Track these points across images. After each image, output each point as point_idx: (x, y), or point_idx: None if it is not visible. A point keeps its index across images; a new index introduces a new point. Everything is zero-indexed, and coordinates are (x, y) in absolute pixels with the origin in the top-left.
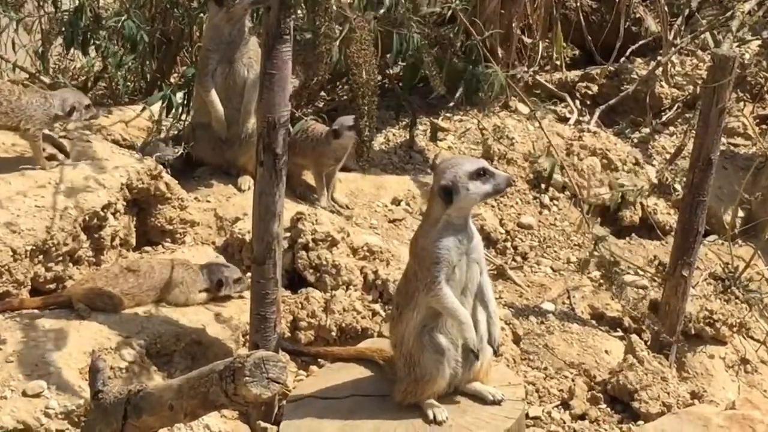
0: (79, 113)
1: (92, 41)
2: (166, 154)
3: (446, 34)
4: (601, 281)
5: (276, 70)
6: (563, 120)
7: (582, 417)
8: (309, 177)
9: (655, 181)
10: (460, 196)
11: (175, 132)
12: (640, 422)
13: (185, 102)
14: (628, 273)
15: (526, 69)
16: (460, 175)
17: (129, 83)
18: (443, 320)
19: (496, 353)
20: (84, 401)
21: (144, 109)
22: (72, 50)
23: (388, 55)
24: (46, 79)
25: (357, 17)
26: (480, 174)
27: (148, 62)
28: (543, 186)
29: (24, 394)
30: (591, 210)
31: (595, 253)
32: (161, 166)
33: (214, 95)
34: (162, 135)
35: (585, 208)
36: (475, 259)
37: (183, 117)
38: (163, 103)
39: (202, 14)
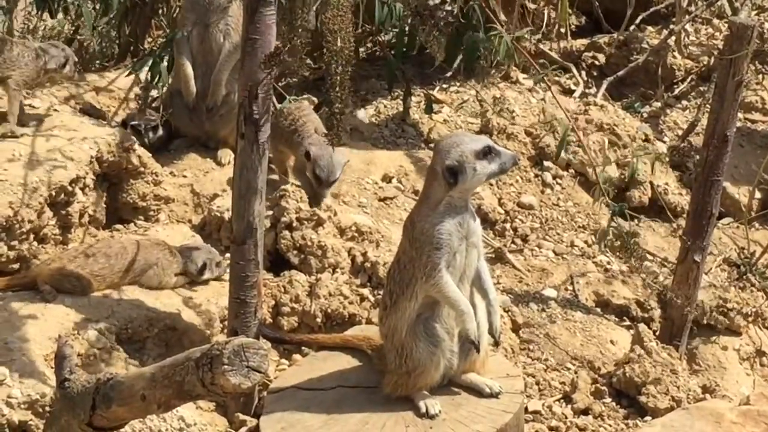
0: (71, 67)
1: (63, 1)
2: (146, 123)
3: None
4: (607, 266)
5: (259, 35)
6: (568, 92)
7: (585, 412)
8: None
9: (666, 159)
10: (467, 177)
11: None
12: (648, 418)
13: (169, 68)
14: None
15: (532, 33)
16: (466, 155)
17: (101, 48)
18: (440, 309)
19: (497, 344)
20: (49, 390)
21: (131, 73)
22: (42, 12)
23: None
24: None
25: None
26: (486, 153)
27: (121, 26)
28: (551, 159)
29: None
30: (607, 182)
31: (612, 224)
32: (134, 138)
33: (184, 59)
34: (141, 104)
35: (600, 179)
36: (473, 243)
37: (162, 84)
38: (149, 68)
39: None
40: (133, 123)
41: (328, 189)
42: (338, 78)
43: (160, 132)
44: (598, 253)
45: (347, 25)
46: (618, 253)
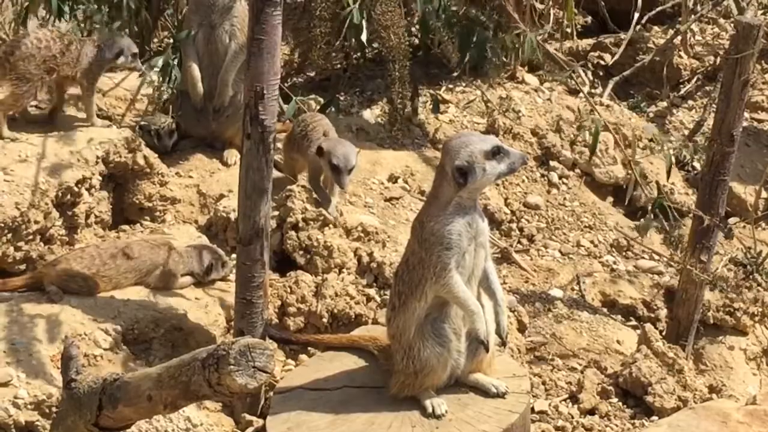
0: (125, 58)
1: (75, 6)
2: (161, 126)
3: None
4: (613, 266)
5: (264, 36)
6: (574, 92)
7: (591, 412)
8: None
9: (673, 159)
10: (476, 177)
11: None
12: (654, 418)
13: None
14: (643, 257)
15: (549, 32)
16: (476, 155)
17: None
18: (448, 309)
19: (504, 344)
20: (56, 390)
21: (143, 74)
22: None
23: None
24: None
25: None
26: (495, 153)
27: (127, 28)
28: (557, 159)
29: None
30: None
31: (651, 217)
32: (140, 139)
33: (191, 60)
34: (154, 106)
35: (636, 174)
36: (481, 243)
37: (173, 86)
38: (160, 69)
39: None
40: (153, 127)
41: (348, 176)
42: (397, 74)
43: (176, 137)
44: (605, 253)
45: (399, 20)
46: (613, 266)
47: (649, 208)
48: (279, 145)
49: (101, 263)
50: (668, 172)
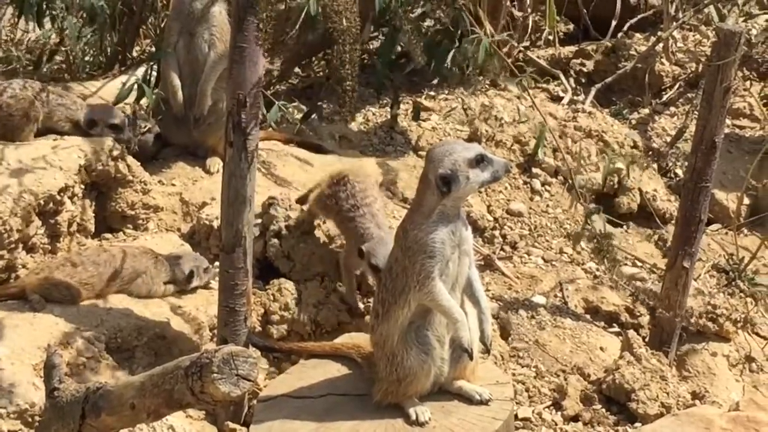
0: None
1: (48, 12)
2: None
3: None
4: (597, 273)
5: (246, 43)
6: (556, 99)
7: (575, 418)
8: None
9: (655, 165)
10: (460, 186)
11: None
12: (638, 424)
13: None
14: (626, 264)
15: (515, 40)
16: (459, 163)
17: (89, 57)
18: (432, 317)
19: (488, 351)
20: (39, 399)
21: (129, 79)
22: (28, 22)
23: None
24: None
25: None
26: (479, 161)
27: (108, 35)
28: (540, 166)
29: None
30: (583, 186)
31: (587, 227)
32: (120, 146)
33: (171, 70)
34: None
35: (575, 183)
36: (465, 251)
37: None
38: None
39: None
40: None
41: None
42: (347, 56)
43: (151, 136)
44: (588, 260)
45: (351, 5)
46: (592, 256)
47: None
48: (262, 153)
49: (83, 271)
50: (603, 180)
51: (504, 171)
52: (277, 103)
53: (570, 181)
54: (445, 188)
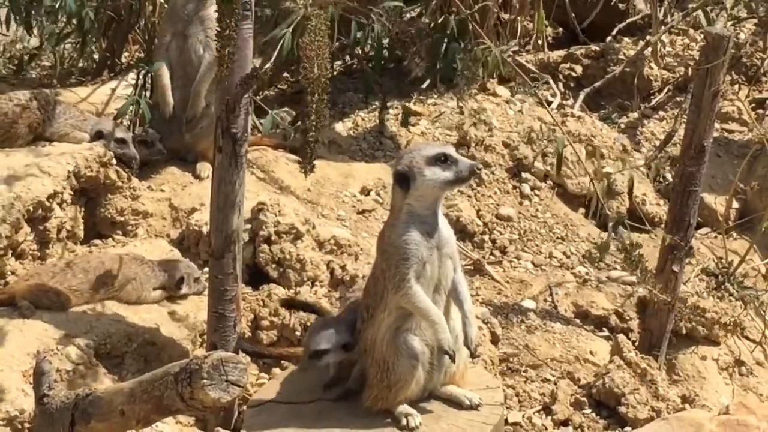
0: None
1: (34, 16)
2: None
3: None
4: (586, 277)
5: (236, 50)
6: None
7: (565, 423)
8: None
9: (643, 169)
10: (417, 183)
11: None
12: (628, 428)
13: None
14: (615, 268)
15: (513, 46)
16: (416, 160)
17: (71, 63)
18: (416, 321)
19: (473, 355)
20: (28, 406)
21: (119, 86)
22: (9, 26)
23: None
24: None
25: (312, 3)
26: (440, 159)
27: (96, 41)
28: (529, 170)
29: None
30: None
31: (613, 236)
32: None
33: (162, 70)
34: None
35: (599, 187)
36: (447, 254)
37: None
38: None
39: None
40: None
41: None
42: (314, 106)
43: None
44: (577, 264)
45: (324, 51)
46: (624, 265)
47: (610, 226)
48: (251, 158)
49: (73, 277)
50: (630, 192)
51: (469, 172)
52: (271, 112)
53: (600, 205)
54: (404, 185)
